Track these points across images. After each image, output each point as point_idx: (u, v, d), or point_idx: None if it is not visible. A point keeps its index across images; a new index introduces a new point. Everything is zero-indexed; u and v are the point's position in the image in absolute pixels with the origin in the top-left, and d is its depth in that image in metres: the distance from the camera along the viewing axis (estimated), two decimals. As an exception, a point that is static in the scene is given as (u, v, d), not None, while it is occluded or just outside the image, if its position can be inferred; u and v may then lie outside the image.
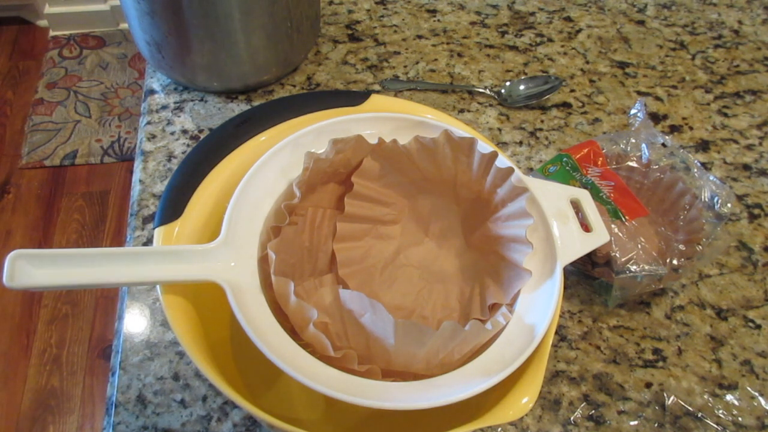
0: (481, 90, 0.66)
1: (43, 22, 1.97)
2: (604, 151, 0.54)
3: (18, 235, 1.49)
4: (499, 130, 0.64)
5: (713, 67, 0.72)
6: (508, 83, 0.67)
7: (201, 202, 0.38)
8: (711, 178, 0.51)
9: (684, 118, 0.66)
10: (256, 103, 0.64)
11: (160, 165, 0.58)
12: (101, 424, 1.13)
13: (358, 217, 0.41)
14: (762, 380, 0.48)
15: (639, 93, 0.68)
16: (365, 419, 0.42)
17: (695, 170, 0.52)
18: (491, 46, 0.72)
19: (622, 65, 0.71)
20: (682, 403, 0.46)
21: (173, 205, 0.37)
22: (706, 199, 0.50)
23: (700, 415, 0.46)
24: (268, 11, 0.58)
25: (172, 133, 0.61)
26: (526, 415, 0.43)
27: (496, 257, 0.39)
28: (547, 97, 0.65)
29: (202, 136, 0.61)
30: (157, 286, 0.34)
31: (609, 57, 0.72)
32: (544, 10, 0.77)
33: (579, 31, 0.75)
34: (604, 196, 0.50)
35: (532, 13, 0.77)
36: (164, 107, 0.63)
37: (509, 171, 0.37)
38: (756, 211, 0.59)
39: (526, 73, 0.69)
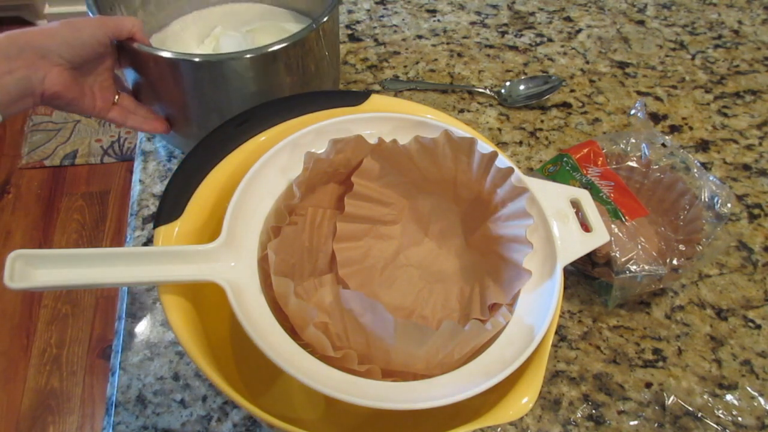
0: (481, 90, 0.66)
1: (43, 22, 1.97)
2: (604, 151, 0.54)
3: (18, 235, 1.49)
4: (499, 130, 0.64)
5: (713, 67, 0.72)
6: (508, 83, 0.67)
7: (201, 202, 0.38)
8: (711, 178, 0.51)
9: (684, 118, 0.66)
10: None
11: (160, 165, 0.58)
12: (101, 424, 1.13)
13: (358, 217, 0.41)
14: (762, 380, 0.48)
15: (639, 93, 0.68)
16: (365, 419, 0.42)
17: (695, 170, 0.52)
18: (491, 46, 0.72)
19: (622, 65, 0.71)
20: (682, 403, 0.46)
21: (173, 205, 0.37)
22: (706, 199, 0.50)
23: (700, 415, 0.46)
24: (268, 11, 0.58)
25: (172, 133, 0.61)
26: (526, 415, 0.43)
27: (496, 257, 0.39)
28: (547, 97, 0.65)
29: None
30: (157, 286, 0.35)
31: (609, 57, 0.72)
32: (544, 10, 0.77)
33: (579, 31, 0.75)
34: (604, 196, 0.50)
35: (532, 13, 0.77)
36: (164, 107, 0.63)
37: (509, 171, 0.36)
38: (756, 211, 0.59)
39: (526, 73, 0.69)
